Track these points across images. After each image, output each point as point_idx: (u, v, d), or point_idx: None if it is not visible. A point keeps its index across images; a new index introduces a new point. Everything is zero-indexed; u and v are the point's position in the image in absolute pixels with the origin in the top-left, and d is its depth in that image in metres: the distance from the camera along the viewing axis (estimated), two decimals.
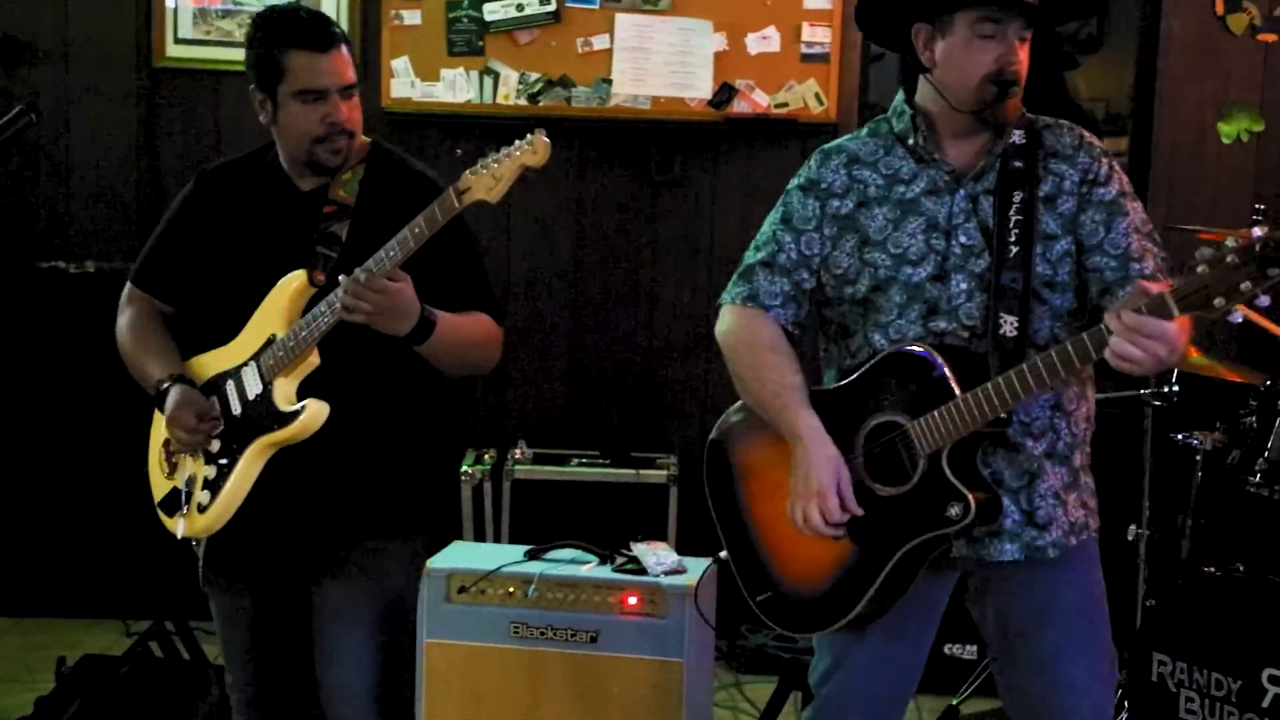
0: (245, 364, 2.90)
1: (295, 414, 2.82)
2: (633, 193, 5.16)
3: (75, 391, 5.02)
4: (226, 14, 5.10)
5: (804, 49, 4.97)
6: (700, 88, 4.98)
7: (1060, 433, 2.75)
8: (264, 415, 2.85)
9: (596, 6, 4.98)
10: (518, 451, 4.95)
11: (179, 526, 2.95)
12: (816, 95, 5.01)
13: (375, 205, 2.90)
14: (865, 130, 2.89)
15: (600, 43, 5.00)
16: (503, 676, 3.78)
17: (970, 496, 2.60)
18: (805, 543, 2.77)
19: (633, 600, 3.77)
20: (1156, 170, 5.05)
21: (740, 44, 4.98)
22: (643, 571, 3.81)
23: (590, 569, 3.85)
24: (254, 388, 2.88)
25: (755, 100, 5.00)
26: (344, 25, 4.94)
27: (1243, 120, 4.97)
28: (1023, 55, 2.69)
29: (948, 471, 2.62)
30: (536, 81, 5.02)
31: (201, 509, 2.91)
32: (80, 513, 5.04)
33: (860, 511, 2.69)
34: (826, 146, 2.89)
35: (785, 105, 4.99)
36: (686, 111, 5.02)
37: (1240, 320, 2.28)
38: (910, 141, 2.78)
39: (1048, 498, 2.73)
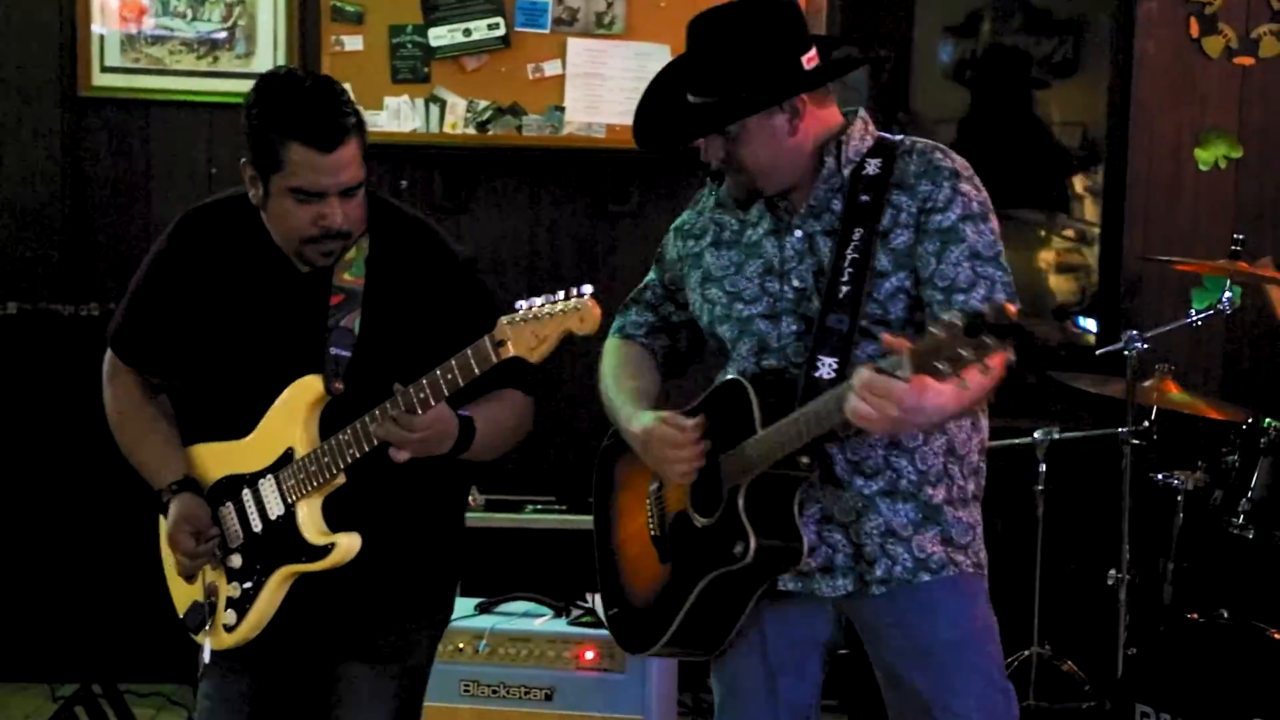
0: (263, 475, 2.78)
1: (325, 550, 2.73)
2: (587, 224, 5.12)
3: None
4: (156, 40, 5.00)
5: None
6: None
7: (901, 471, 2.73)
8: (289, 542, 2.76)
9: (547, 31, 4.91)
10: (470, 498, 4.82)
11: (205, 647, 2.84)
12: None
13: (387, 289, 2.76)
14: None
15: (552, 69, 4.92)
16: None
17: (753, 538, 2.64)
18: (643, 561, 2.88)
19: (590, 655, 3.77)
20: (1133, 198, 5.04)
21: None
22: (600, 624, 3.78)
23: (544, 622, 3.88)
24: (275, 508, 2.77)
25: None
26: (281, 52, 4.90)
27: (1220, 146, 4.95)
28: (725, 145, 2.71)
29: (740, 507, 2.66)
30: (485, 109, 4.94)
31: (228, 629, 2.83)
32: (5, 575, 4.94)
33: (704, 444, 2.71)
34: (708, 188, 2.96)
35: None
36: None
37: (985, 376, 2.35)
38: None
39: (874, 535, 2.74)
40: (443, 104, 4.92)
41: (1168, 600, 4.12)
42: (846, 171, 2.73)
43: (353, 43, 4.90)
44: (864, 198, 2.70)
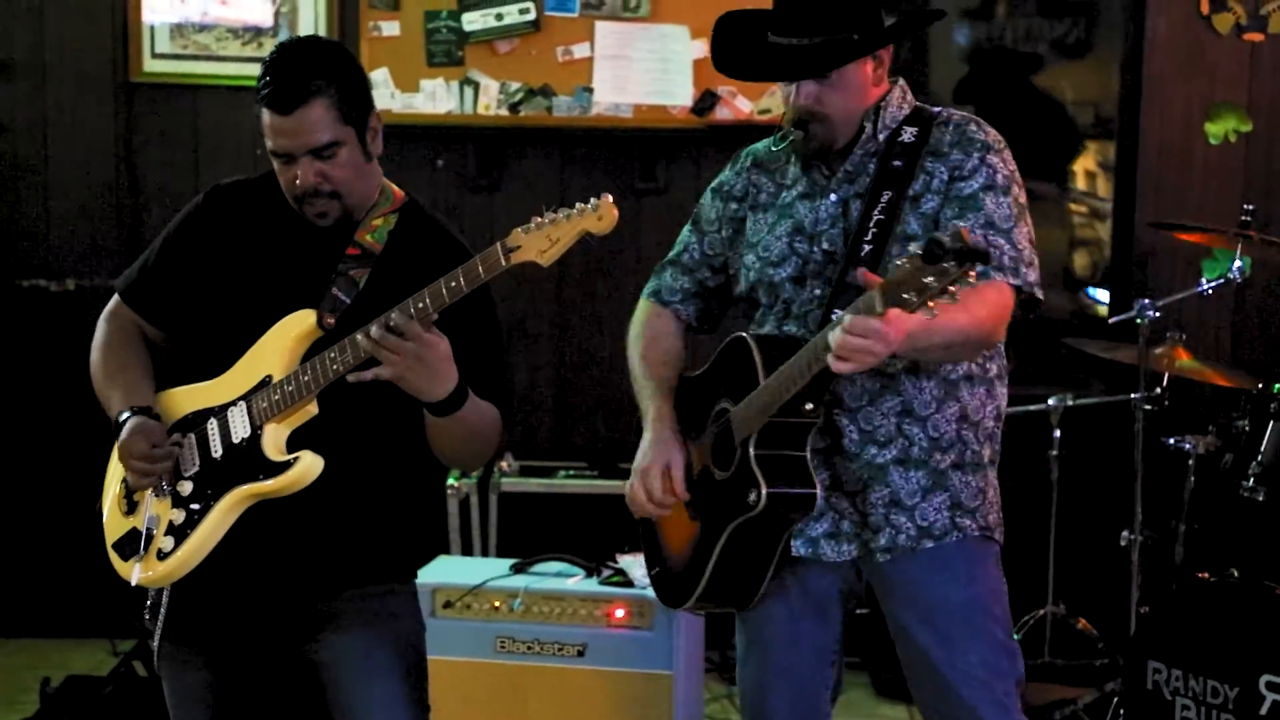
0: (233, 403, 2.65)
1: (285, 465, 2.57)
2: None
3: (59, 410, 5.01)
4: (203, 28, 5.08)
5: None
6: (682, 95, 4.96)
7: (914, 438, 2.74)
8: (249, 462, 2.60)
9: (576, 15, 4.96)
10: (504, 464, 4.94)
11: (134, 572, 2.65)
12: None
13: (401, 259, 2.70)
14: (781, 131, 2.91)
15: (581, 51, 4.98)
16: (490, 692, 3.80)
17: (764, 485, 2.65)
18: (676, 521, 2.87)
19: (620, 613, 3.79)
20: (1144, 172, 5.02)
21: None
22: (630, 584, 3.84)
23: (577, 582, 3.89)
24: (241, 431, 2.63)
25: (737, 106, 4.98)
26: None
27: (1230, 120, 4.94)
28: (820, 91, 2.70)
29: (751, 457, 2.67)
30: (517, 91, 5.00)
31: (162, 556, 2.63)
32: (65, 532, 4.93)
33: (685, 495, 2.79)
34: (747, 148, 2.97)
35: (768, 111, 4.93)
36: (668, 119, 5.00)
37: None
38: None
39: (878, 505, 2.75)
40: (476, 86, 5.00)
41: (1179, 560, 4.13)
42: (882, 137, 2.74)
43: (390, 28, 4.98)
44: (896, 163, 2.71)
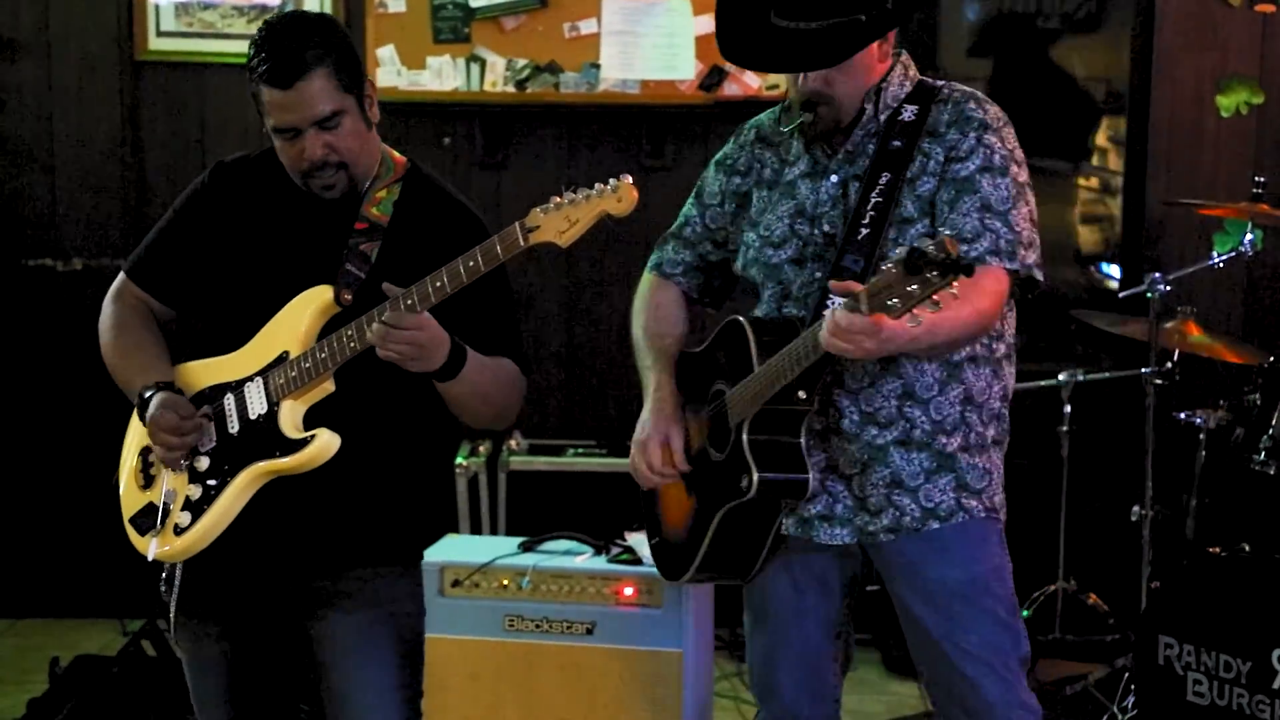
0: (250, 379, 2.67)
1: (302, 443, 2.60)
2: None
3: (67, 390, 5.04)
4: (208, 6, 5.08)
5: None
6: (689, 71, 4.95)
7: (915, 420, 2.74)
8: (266, 439, 2.63)
9: None
10: (513, 442, 4.95)
11: (151, 546, 2.69)
12: None
13: (409, 229, 2.72)
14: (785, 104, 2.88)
15: (588, 27, 4.96)
16: (498, 670, 3.80)
17: (755, 472, 2.67)
18: (674, 493, 2.91)
19: (629, 591, 3.79)
20: (1155, 146, 5.00)
21: None
22: (638, 561, 3.83)
23: (585, 560, 3.89)
24: (258, 407, 2.65)
25: (745, 82, 4.95)
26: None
27: (1242, 93, 4.92)
28: (828, 74, 2.68)
29: (744, 442, 2.69)
30: (524, 68, 4.99)
31: (179, 530, 2.66)
32: (75, 512, 5.04)
33: (686, 467, 2.84)
34: (751, 120, 2.94)
35: (776, 87, 4.88)
36: (676, 95, 4.98)
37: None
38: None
39: (880, 486, 2.75)
40: (483, 63, 4.98)
41: (1190, 535, 4.14)
42: (883, 117, 2.73)
43: (396, 5, 4.94)
44: (895, 144, 2.70)
